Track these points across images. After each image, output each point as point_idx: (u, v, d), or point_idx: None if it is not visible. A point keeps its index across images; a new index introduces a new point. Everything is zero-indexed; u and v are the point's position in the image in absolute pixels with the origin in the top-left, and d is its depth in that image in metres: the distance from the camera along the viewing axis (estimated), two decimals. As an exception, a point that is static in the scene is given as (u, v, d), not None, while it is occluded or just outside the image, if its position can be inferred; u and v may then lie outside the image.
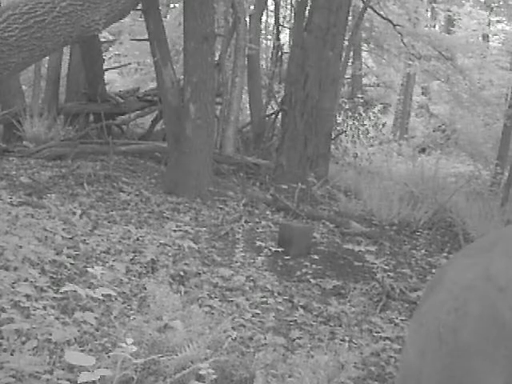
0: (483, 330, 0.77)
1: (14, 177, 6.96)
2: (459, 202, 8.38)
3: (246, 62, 10.71)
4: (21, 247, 4.14)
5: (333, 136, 10.19)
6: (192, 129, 7.26)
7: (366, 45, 16.91)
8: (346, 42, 10.40)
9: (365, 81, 20.01)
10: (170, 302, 3.62)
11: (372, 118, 13.95)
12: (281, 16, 14.52)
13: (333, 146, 10.68)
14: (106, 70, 11.38)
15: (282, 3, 14.80)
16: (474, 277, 0.80)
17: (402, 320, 4.49)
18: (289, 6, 15.53)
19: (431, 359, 0.82)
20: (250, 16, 11.43)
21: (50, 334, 2.91)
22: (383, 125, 14.34)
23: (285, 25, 14.96)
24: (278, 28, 13.53)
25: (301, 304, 4.58)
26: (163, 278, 4.33)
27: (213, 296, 4.33)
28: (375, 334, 4.15)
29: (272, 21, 15.09)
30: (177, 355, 2.99)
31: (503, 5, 16.12)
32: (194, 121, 7.25)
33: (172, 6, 16.41)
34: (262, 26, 14.75)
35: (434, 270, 5.99)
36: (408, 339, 1.00)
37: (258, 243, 5.74)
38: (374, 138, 13.96)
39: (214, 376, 2.69)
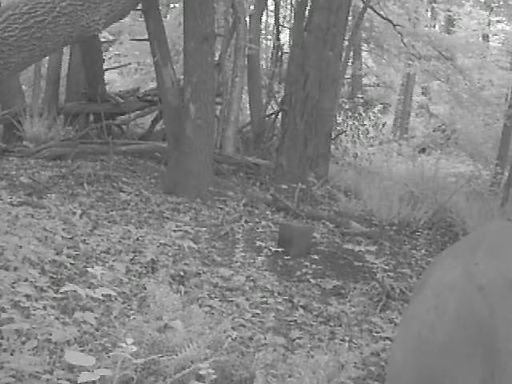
0: (461, 328, 0.78)
1: (14, 177, 6.96)
2: (459, 202, 8.38)
3: (246, 62, 10.71)
4: (21, 247, 4.13)
5: (333, 136, 10.19)
6: (192, 129, 7.26)
7: (366, 45, 16.91)
8: (346, 42, 10.39)
9: (365, 81, 20.00)
10: (170, 302, 3.62)
11: (372, 117, 13.96)
12: (281, 16, 14.52)
13: (333, 146, 10.68)
14: (106, 69, 11.38)
15: (282, 3, 14.80)
16: (455, 276, 0.81)
17: (402, 320, 4.49)
18: (289, 6, 15.53)
19: (412, 357, 0.83)
20: (250, 16, 11.43)
21: (50, 334, 2.91)
22: (383, 125, 14.35)
23: (285, 25, 14.96)
24: (278, 28, 13.53)
25: (301, 304, 4.59)
26: (163, 278, 4.32)
27: (213, 296, 4.33)
28: (375, 334, 4.15)
29: (272, 21, 15.09)
30: (177, 355, 2.99)
31: (503, 5, 16.11)
32: (193, 121, 7.25)
33: (172, 5, 16.41)
34: (262, 26, 14.74)
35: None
36: (395, 338, 1.00)
37: (258, 243, 5.74)
38: (374, 138, 13.95)
39: (214, 376, 2.69)
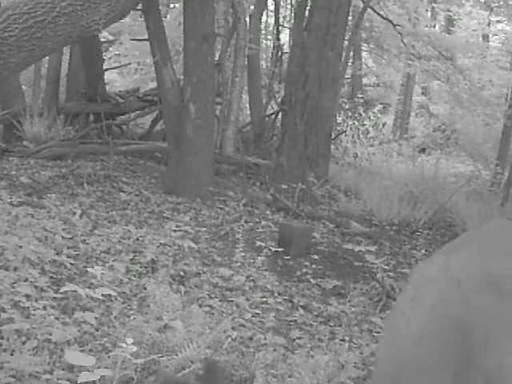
0: (434, 321, 0.78)
1: (14, 177, 6.96)
2: (459, 202, 8.38)
3: (246, 62, 10.71)
4: (21, 247, 4.14)
5: (333, 136, 10.19)
6: (192, 129, 7.26)
7: (366, 45, 16.91)
8: (346, 42, 10.40)
9: (365, 81, 19.99)
10: (169, 302, 3.62)
11: (372, 117, 13.95)
12: (281, 16, 14.52)
13: (333, 146, 10.69)
14: (106, 69, 11.37)
15: (282, 3, 14.80)
16: (436, 269, 0.81)
17: (401, 320, 4.49)
18: (289, 6, 15.53)
19: (389, 351, 0.83)
20: (250, 16, 11.43)
21: (50, 334, 2.92)
22: (383, 125, 14.34)
23: (285, 25, 14.96)
24: (278, 28, 13.53)
25: (301, 304, 4.59)
26: (163, 278, 4.33)
27: (213, 296, 4.33)
28: (375, 334, 4.15)
29: (272, 21, 15.09)
30: (177, 355, 2.99)
31: (503, 5, 16.12)
32: (193, 121, 7.25)
33: (172, 5, 16.41)
34: (262, 26, 14.75)
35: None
36: (380, 336, 1.00)
37: (258, 243, 5.74)
38: (374, 138, 13.95)
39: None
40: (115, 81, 16.02)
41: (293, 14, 13.76)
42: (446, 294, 0.74)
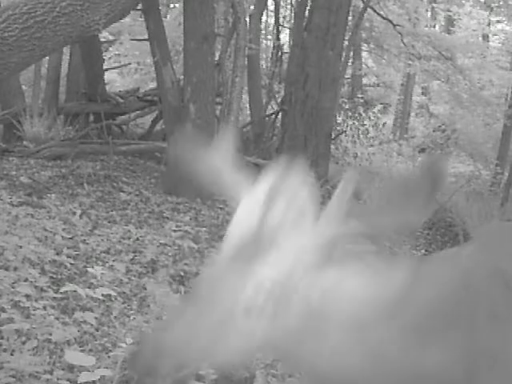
0: (440, 301, 0.80)
1: (14, 177, 6.96)
2: (459, 202, 8.38)
3: (246, 62, 10.71)
4: (21, 247, 4.14)
5: (333, 136, 10.19)
6: (192, 129, 7.26)
7: (365, 45, 16.90)
8: (346, 42, 10.40)
9: (365, 81, 19.98)
10: (169, 302, 3.62)
11: (372, 117, 13.95)
12: (281, 16, 14.51)
13: (333, 146, 10.68)
14: (106, 69, 11.37)
15: (282, 3, 14.79)
16: (445, 258, 0.84)
17: (402, 320, 4.49)
18: (289, 6, 15.53)
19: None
20: (250, 16, 11.42)
21: (50, 334, 2.91)
22: (383, 125, 14.34)
23: (285, 25, 14.96)
24: (278, 28, 13.52)
25: (301, 304, 4.58)
26: (163, 278, 4.32)
27: (213, 296, 4.32)
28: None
29: (272, 21, 15.08)
30: (177, 355, 2.98)
31: (503, 5, 16.13)
32: (193, 121, 7.25)
33: (172, 5, 16.42)
34: (262, 26, 14.75)
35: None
36: None
37: (258, 243, 5.73)
38: (374, 138, 13.95)
39: (214, 376, 2.69)
40: (115, 81, 16.02)
41: (293, 14, 13.77)
42: (453, 278, 0.76)
